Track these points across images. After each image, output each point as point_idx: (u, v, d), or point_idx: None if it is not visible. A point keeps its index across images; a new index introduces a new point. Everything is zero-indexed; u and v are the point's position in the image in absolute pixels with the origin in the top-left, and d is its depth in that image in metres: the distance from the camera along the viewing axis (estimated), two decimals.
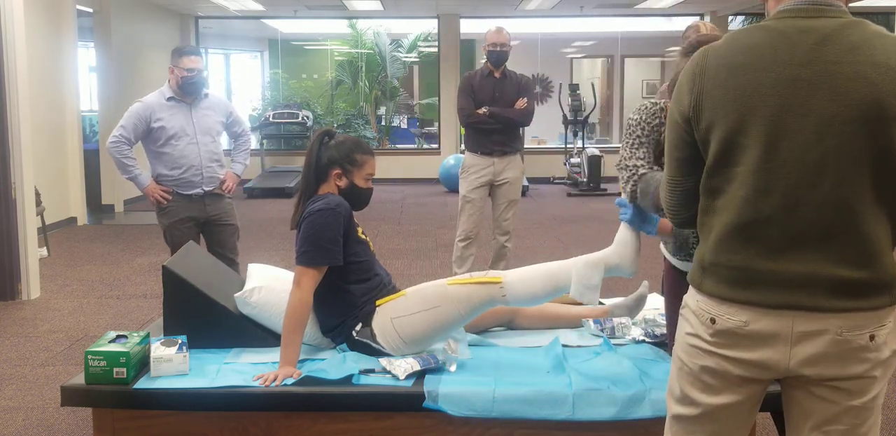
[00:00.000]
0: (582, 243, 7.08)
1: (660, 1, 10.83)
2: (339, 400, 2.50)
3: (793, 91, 1.58)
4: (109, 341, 2.62)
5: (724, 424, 1.75)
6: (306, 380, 2.55)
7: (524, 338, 2.99)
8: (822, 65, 1.57)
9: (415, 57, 14.68)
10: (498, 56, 5.15)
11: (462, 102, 5.18)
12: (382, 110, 14.67)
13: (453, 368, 2.62)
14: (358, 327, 2.79)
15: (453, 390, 2.46)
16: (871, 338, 1.61)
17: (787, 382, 1.71)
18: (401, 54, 14.44)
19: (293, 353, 2.63)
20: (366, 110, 14.38)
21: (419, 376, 2.56)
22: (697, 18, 11.86)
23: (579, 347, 2.87)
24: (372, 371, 2.59)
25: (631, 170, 2.47)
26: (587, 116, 11.68)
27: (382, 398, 2.50)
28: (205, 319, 2.85)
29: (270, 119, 11.96)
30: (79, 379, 2.57)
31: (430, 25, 13.26)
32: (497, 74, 5.19)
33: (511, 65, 5.28)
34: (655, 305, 3.24)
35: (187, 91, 4.27)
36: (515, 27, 5.82)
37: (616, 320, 3.02)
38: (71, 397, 2.55)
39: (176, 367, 2.57)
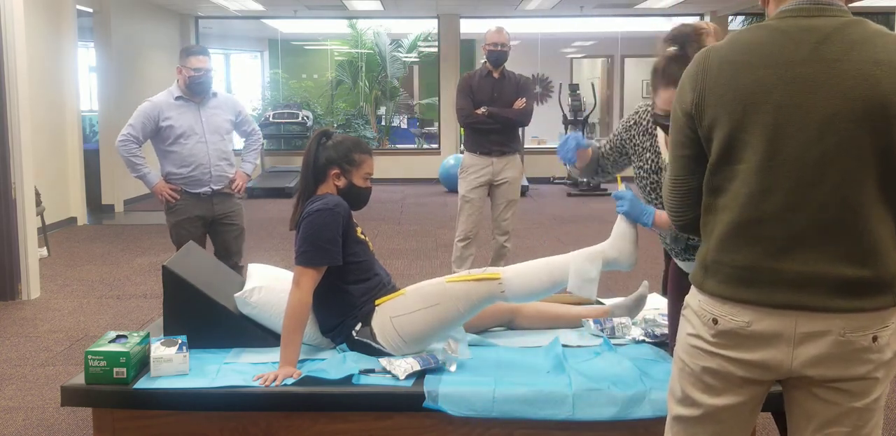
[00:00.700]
0: (582, 243, 7.06)
1: (660, 1, 10.83)
2: (339, 400, 2.50)
3: (794, 88, 1.58)
4: (109, 341, 2.62)
5: (726, 425, 1.75)
6: (306, 380, 2.55)
7: (524, 338, 2.99)
8: (824, 62, 1.58)
9: (415, 57, 14.68)
10: (498, 56, 5.15)
11: (461, 102, 5.18)
12: (382, 110, 14.67)
13: (453, 368, 2.62)
14: (358, 327, 2.78)
15: (453, 390, 2.46)
16: (874, 339, 1.61)
17: (789, 383, 1.71)
18: (401, 54, 14.44)
19: (293, 353, 2.63)
20: (366, 110, 14.38)
21: (419, 376, 2.56)
22: (697, 18, 11.86)
23: (579, 347, 2.87)
24: (372, 371, 2.59)
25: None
26: (587, 116, 11.68)
27: (382, 398, 2.50)
28: (205, 319, 2.85)
29: (270, 119, 11.96)
30: (79, 379, 2.57)
31: (430, 25, 13.26)
32: (496, 75, 5.19)
33: (511, 65, 5.28)
34: (655, 305, 3.24)
35: (195, 90, 4.29)
36: (515, 27, 5.83)
37: (616, 320, 3.02)
38: (71, 397, 2.55)
39: (176, 367, 2.57)
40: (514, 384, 2.50)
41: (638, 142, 2.65)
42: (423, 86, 15.75)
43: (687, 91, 1.70)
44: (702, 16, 12.03)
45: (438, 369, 2.60)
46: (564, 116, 11.69)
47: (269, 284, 2.90)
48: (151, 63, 10.66)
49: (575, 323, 3.09)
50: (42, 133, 7.38)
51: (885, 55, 1.57)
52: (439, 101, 12.61)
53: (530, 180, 10.84)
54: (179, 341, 2.64)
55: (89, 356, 2.52)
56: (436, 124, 13.29)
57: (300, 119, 12.05)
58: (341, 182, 2.87)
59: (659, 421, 2.31)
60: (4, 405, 3.54)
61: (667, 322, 2.87)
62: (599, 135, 14.99)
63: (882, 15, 10.71)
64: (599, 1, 10.99)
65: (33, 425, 3.33)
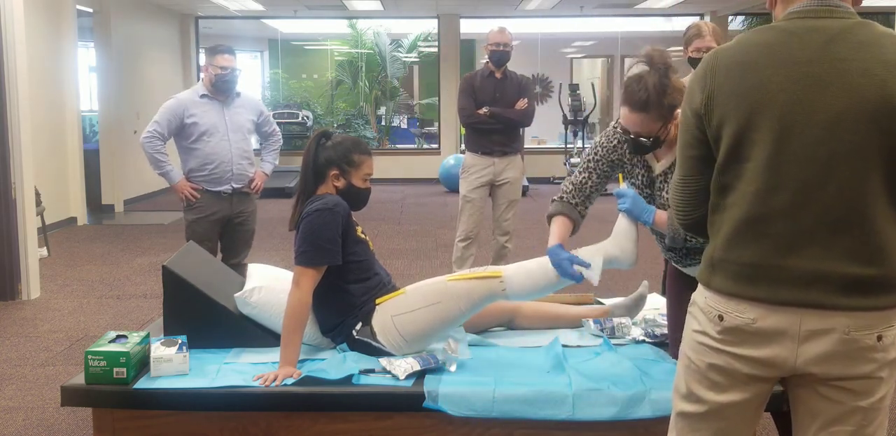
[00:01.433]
0: (582, 243, 7.07)
1: (660, 1, 10.83)
2: (339, 400, 2.50)
3: (802, 88, 1.60)
4: (109, 341, 2.62)
5: (731, 422, 1.76)
6: (306, 380, 2.55)
7: (524, 338, 2.99)
8: (832, 62, 1.59)
9: (415, 57, 14.69)
10: (500, 56, 5.15)
11: (463, 102, 5.18)
12: (382, 110, 14.67)
13: (453, 368, 2.62)
14: (358, 327, 2.78)
15: (453, 390, 2.46)
16: (879, 338, 1.62)
17: (793, 381, 1.72)
18: (401, 54, 14.44)
19: (293, 353, 2.63)
20: (366, 110, 14.38)
21: (419, 376, 2.55)
22: (697, 18, 11.86)
23: (579, 347, 2.87)
24: (372, 371, 2.59)
25: (562, 187, 2.78)
26: (587, 116, 11.68)
27: (382, 398, 2.50)
28: (205, 319, 2.85)
29: (270, 119, 11.96)
30: (79, 379, 2.56)
31: (430, 25, 13.26)
32: (498, 75, 5.19)
33: (511, 65, 5.28)
34: (655, 305, 3.25)
35: (221, 89, 4.34)
36: (515, 27, 5.82)
37: (616, 320, 3.02)
38: (71, 397, 2.54)
39: (176, 367, 2.57)
40: (514, 384, 2.50)
41: (626, 160, 2.66)
42: (423, 86, 15.76)
43: (696, 92, 1.72)
44: (702, 16, 12.02)
45: (438, 368, 2.60)
46: (564, 116, 11.70)
47: (269, 284, 2.90)
48: (151, 63, 10.65)
49: (575, 323, 3.09)
50: (42, 133, 7.38)
51: (892, 56, 1.58)
52: (439, 101, 12.62)
53: (531, 180, 10.84)
54: (179, 341, 2.64)
55: (89, 356, 2.52)
56: (436, 124, 13.30)
57: (300, 119, 12.06)
58: (340, 183, 2.87)
59: (659, 421, 2.32)
60: (4, 405, 3.54)
61: (666, 322, 2.87)
62: (599, 135, 14.98)
63: (882, 15, 10.71)
64: (599, 1, 10.99)
65: (33, 425, 3.33)
